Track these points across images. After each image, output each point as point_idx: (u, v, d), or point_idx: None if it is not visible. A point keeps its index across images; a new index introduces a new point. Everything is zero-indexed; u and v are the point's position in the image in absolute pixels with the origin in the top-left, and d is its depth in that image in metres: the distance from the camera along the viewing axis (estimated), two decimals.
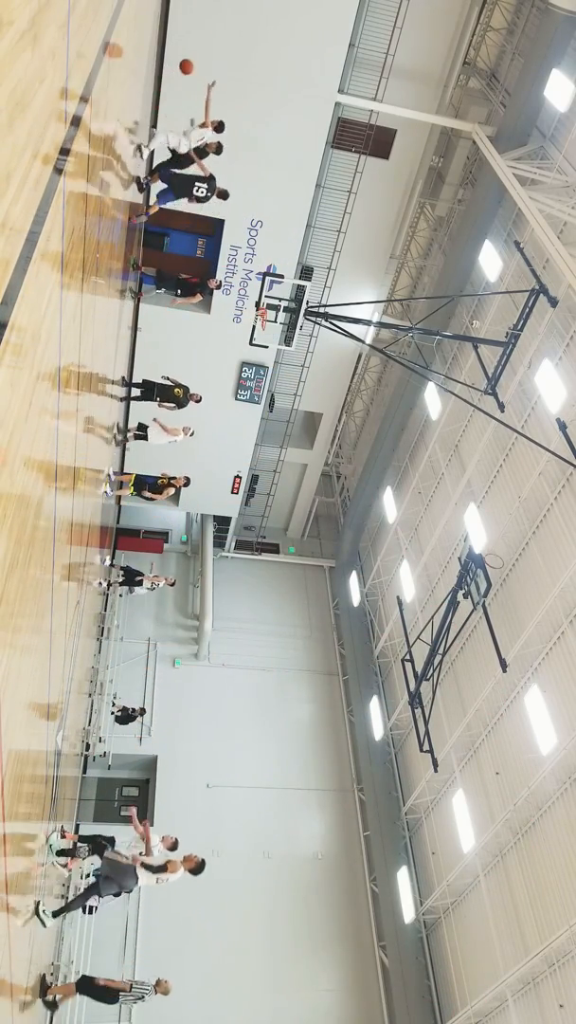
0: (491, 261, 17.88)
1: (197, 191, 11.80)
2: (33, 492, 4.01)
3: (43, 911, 7.52)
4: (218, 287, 13.81)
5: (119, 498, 17.15)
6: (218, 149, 11.85)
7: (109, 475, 13.12)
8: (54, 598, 5.55)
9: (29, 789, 5.52)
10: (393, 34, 16.71)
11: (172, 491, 16.17)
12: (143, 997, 11.25)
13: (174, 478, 15.96)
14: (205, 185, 11.84)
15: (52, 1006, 9.09)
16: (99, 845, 10.20)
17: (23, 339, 3.25)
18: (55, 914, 8.35)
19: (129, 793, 20.23)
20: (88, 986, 10.39)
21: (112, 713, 18.71)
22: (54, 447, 4.64)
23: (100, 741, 18.01)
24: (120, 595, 21.34)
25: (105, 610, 20.06)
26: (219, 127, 11.81)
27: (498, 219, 17.87)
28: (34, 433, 3.81)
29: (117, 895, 10.00)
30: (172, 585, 19.47)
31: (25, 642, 4.39)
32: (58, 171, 3.75)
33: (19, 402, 3.31)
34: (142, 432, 15.35)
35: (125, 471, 17.57)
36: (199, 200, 11.90)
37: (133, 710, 18.92)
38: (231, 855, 18.37)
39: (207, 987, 16.37)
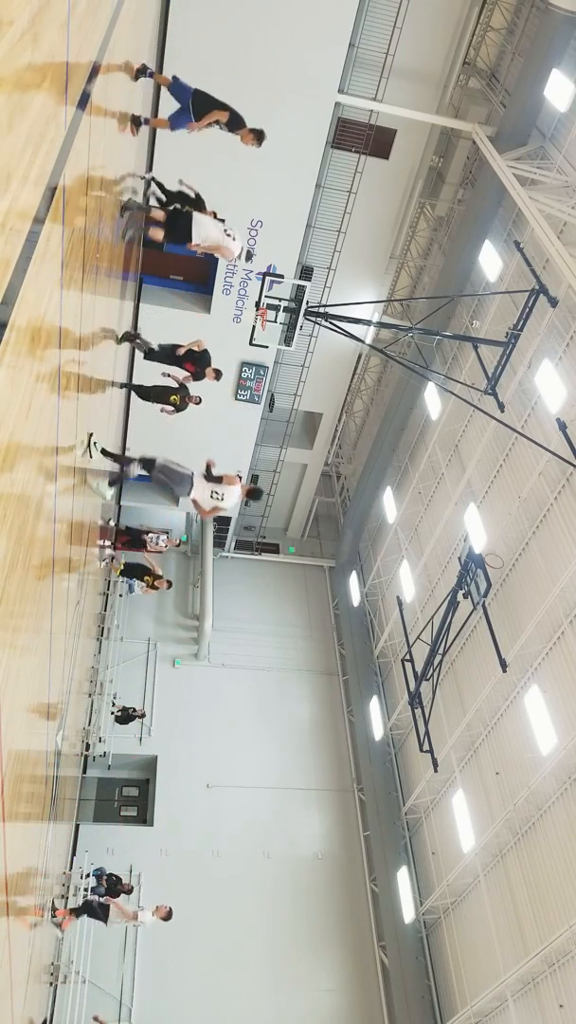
0: (491, 261, 17.88)
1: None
2: (33, 492, 4.01)
3: (95, 443, 7.35)
4: (217, 378, 12.43)
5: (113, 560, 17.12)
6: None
7: (110, 557, 12.96)
8: (54, 598, 5.55)
9: (29, 789, 5.52)
10: (393, 34, 16.71)
11: (155, 592, 16.25)
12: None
13: (159, 577, 16.08)
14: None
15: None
16: (149, 461, 9.70)
17: (23, 339, 3.25)
18: (104, 452, 8.17)
19: (129, 793, 20.24)
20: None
21: (112, 713, 18.72)
22: (54, 447, 4.64)
23: (100, 741, 18.03)
24: (120, 595, 21.36)
25: (105, 610, 20.07)
26: None
27: (498, 219, 17.87)
28: (34, 433, 3.81)
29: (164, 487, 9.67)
30: (178, 545, 18.95)
31: (25, 642, 4.39)
32: (58, 171, 3.75)
33: (19, 402, 3.31)
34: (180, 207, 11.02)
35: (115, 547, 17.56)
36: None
37: (133, 710, 18.92)
38: (231, 855, 18.39)
39: (207, 987, 16.38)
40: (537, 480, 15.48)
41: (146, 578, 16.16)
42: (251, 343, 16.87)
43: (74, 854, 16.74)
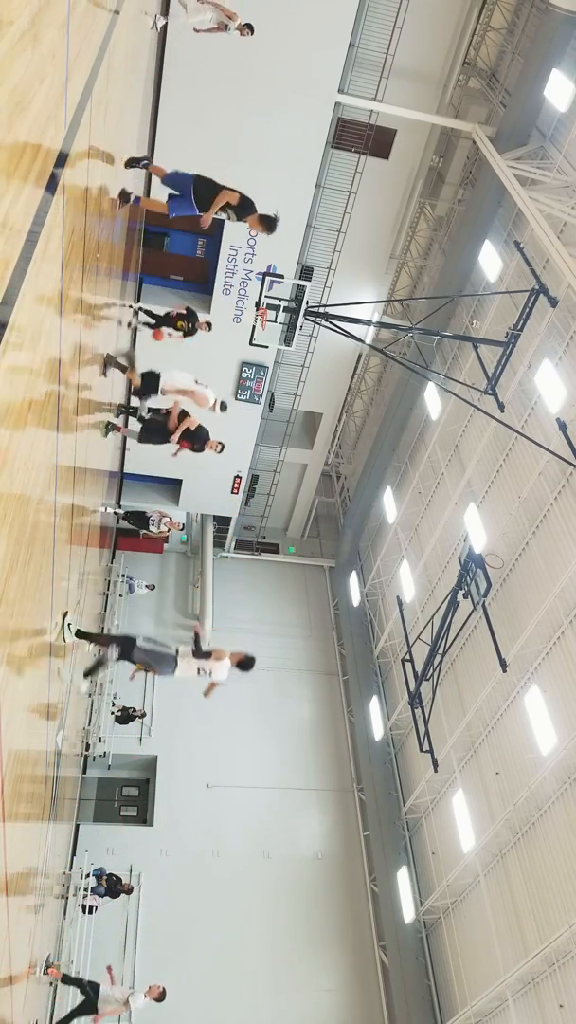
0: (491, 261, 17.88)
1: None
2: (33, 492, 4.01)
3: (68, 624, 6.75)
4: (220, 451, 11.46)
5: None
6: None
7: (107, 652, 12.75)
8: (54, 597, 5.55)
9: (29, 789, 5.52)
10: (393, 34, 16.71)
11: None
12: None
13: (150, 666, 15.70)
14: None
15: None
16: (128, 641, 8.59)
17: (23, 339, 3.25)
18: (79, 634, 7.33)
19: (129, 793, 20.23)
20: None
21: (112, 713, 18.72)
22: (54, 447, 4.64)
23: (100, 741, 18.02)
24: (120, 595, 21.35)
25: (105, 610, 20.06)
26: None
27: (498, 219, 17.87)
28: (34, 433, 3.81)
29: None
30: (181, 529, 18.19)
31: (25, 642, 4.39)
32: (58, 171, 3.75)
33: (19, 402, 3.31)
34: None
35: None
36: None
37: (133, 710, 18.92)
38: (231, 855, 18.39)
39: (207, 987, 16.37)
40: (537, 480, 15.48)
41: (138, 665, 15.91)
42: (251, 343, 16.88)
43: (74, 854, 16.74)
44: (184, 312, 12.66)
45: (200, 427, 11.28)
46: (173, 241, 19.29)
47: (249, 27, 11.03)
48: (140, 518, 17.74)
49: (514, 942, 14.32)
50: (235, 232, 17.87)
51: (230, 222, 8.89)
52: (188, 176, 8.58)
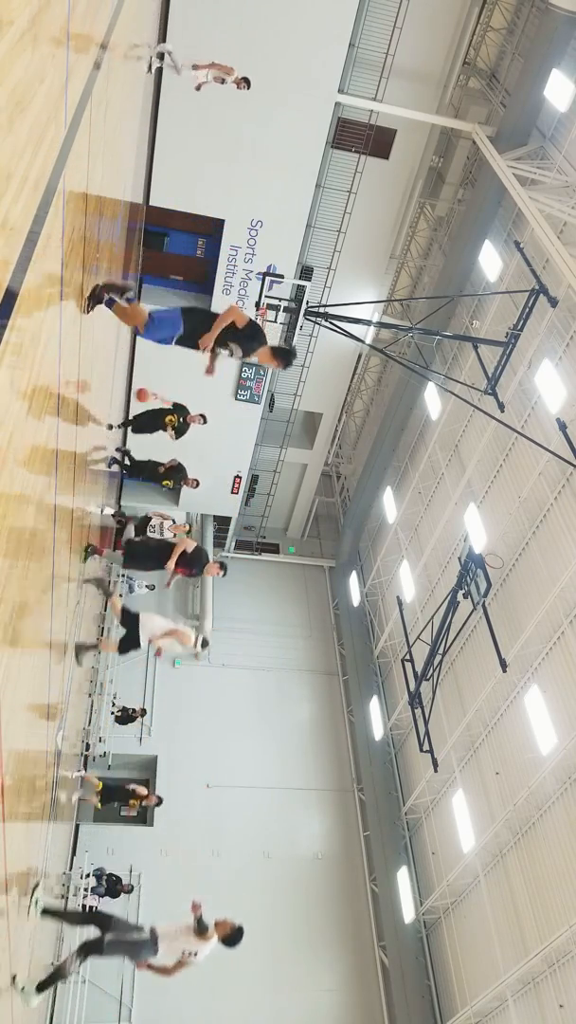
0: (491, 261, 17.88)
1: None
2: (33, 493, 4.01)
3: (23, 988, 5.91)
4: (222, 572, 10.75)
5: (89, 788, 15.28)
6: None
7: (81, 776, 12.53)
8: (54, 598, 5.54)
9: (29, 789, 5.52)
10: (393, 34, 16.71)
11: (137, 804, 15.22)
12: None
13: (147, 794, 14.98)
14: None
15: None
16: (93, 943, 7.51)
17: (23, 339, 3.25)
18: (40, 988, 6.42)
19: None
20: None
21: (112, 713, 18.71)
22: (54, 447, 4.64)
23: (100, 741, 18.01)
24: (120, 595, 21.33)
25: (105, 610, 20.04)
26: None
27: (498, 219, 17.87)
28: (34, 432, 3.81)
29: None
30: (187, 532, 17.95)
31: (25, 642, 4.38)
32: (58, 171, 3.75)
33: (19, 402, 3.31)
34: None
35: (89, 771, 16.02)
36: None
37: (133, 710, 18.92)
38: (231, 855, 18.39)
39: (206, 987, 16.35)
40: (537, 480, 15.48)
41: (132, 802, 15.08)
42: None
43: (74, 854, 16.73)
44: (171, 407, 12.23)
45: (198, 549, 10.22)
46: (173, 241, 19.29)
47: (246, 81, 11.23)
48: (142, 524, 17.37)
49: (514, 942, 14.32)
50: (235, 232, 17.88)
51: (233, 359, 7.16)
52: (175, 311, 6.81)
